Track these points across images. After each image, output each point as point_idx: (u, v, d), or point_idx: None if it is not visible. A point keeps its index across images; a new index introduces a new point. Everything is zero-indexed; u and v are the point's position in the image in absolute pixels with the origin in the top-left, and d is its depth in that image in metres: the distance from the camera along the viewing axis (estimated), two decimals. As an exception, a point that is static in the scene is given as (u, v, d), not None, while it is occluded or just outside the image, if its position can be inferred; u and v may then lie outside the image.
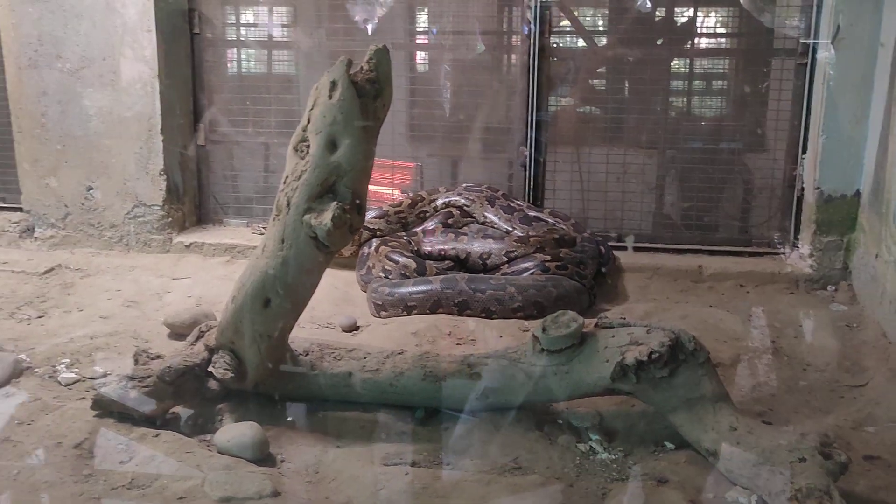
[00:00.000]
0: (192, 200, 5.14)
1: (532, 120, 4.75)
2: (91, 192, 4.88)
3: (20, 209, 5.05)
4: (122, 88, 4.73)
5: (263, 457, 2.58)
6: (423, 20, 5.50)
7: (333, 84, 2.63)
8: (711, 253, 4.69)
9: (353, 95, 2.61)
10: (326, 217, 2.57)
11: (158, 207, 4.85)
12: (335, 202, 2.59)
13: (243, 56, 5.42)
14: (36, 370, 3.21)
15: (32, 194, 4.96)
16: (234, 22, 5.27)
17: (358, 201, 2.65)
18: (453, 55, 5.19)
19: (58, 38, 4.71)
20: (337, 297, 4.16)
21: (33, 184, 4.94)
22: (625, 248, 4.72)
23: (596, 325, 2.76)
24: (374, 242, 4.30)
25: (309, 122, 2.67)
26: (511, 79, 5.02)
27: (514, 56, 5.03)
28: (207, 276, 4.49)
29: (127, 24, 4.64)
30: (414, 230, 4.50)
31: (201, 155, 5.16)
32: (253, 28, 5.30)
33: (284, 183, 2.68)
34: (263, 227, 4.97)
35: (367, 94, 2.64)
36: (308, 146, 2.64)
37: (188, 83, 5.01)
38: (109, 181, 4.85)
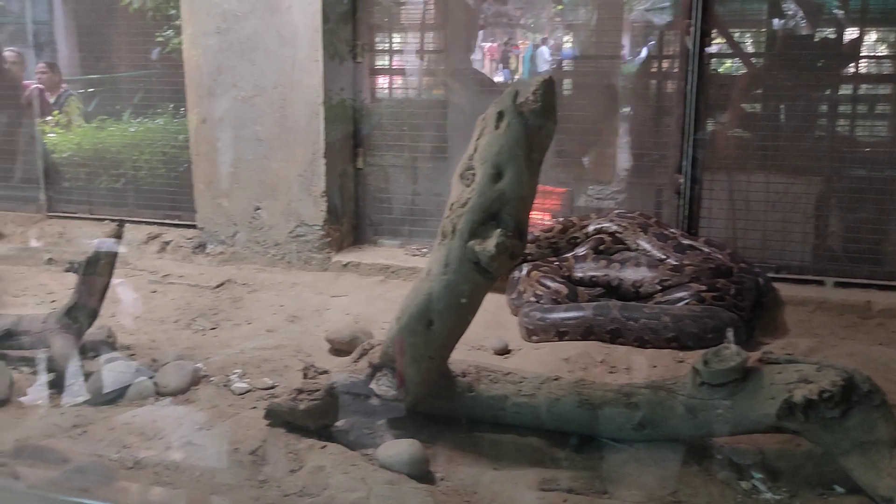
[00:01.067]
0: (350, 221, 5.36)
1: (688, 146, 4.68)
2: (258, 211, 5.19)
3: (194, 226, 5.43)
4: (289, 115, 5.01)
5: (423, 474, 2.67)
6: (567, 45, 5.57)
7: (500, 115, 2.71)
8: (881, 287, 4.44)
9: (519, 126, 2.68)
10: (490, 244, 2.65)
11: (319, 227, 5.09)
12: (499, 229, 2.67)
13: (399, 82, 5.62)
14: (211, 379, 3.45)
15: (206, 213, 5.32)
16: (388, 49, 5.47)
17: (520, 229, 2.72)
18: (602, 80, 5.22)
19: (234, 68, 5.06)
20: (487, 319, 4.22)
21: (207, 203, 5.30)
22: (784, 281, 4.55)
23: (760, 360, 2.69)
24: (525, 267, 4.35)
25: (475, 151, 2.76)
26: (663, 103, 4.98)
27: (666, 80, 4.99)
28: (363, 295, 4.67)
29: (297, 56, 4.92)
30: (565, 256, 4.52)
31: (359, 178, 5.38)
32: (408, 56, 5.50)
33: (450, 209, 2.77)
34: (417, 249, 5.15)
35: (533, 124, 2.70)
36: (474, 174, 2.73)
37: (349, 109, 5.24)
38: (275, 202, 5.14)
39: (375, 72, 5.42)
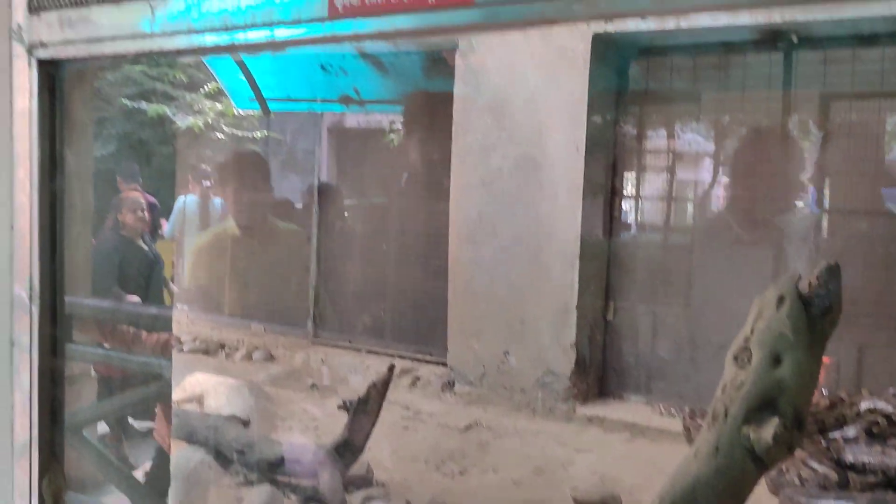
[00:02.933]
0: (596, 373, 5.35)
1: None
2: (507, 356, 5.33)
3: (444, 364, 5.68)
4: (544, 264, 5.19)
5: None
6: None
7: (781, 298, 2.64)
8: None
9: (801, 311, 2.60)
10: (766, 433, 2.54)
11: (566, 378, 5.13)
12: (776, 418, 2.56)
13: (650, 230, 5.64)
14: (462, 529, 3.53)
15: (457, 353, 5.56)
16: (637, 195, 5.54)
17: (800, 419, 2.59)
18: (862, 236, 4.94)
19: (495, 217, 5.36)
20: (743, 495, 3.99)
21: (459, 343, 5.54)
22: None
23: None
24: (787, 443, 4.07)
25: (752, 333, 2.69)
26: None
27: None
28: (609, 453, 4.60)
29: (556, 208, 5.13)
30: (832, 435, 4.19)
31: (608, 329, 5.40)
32: (658, 202, 5.54)
33: (722, 391, 2.70)
34: (665, 409, 5.02)
35: (816, 309, 2.61)
36: (749, 357, 2.66)
37: (603, 262, 5.33)
38: (524, 348, 5.27)
39: (637, 229, 5.51)
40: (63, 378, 2.54)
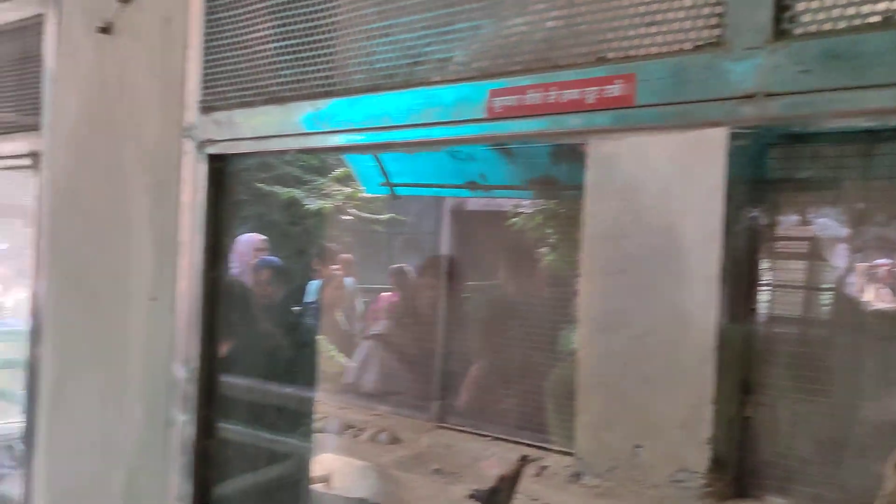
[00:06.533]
0: (732, 472, 5.09)
1: None
2: (638, 450, 5.15)
3: (571, 454, 5.54)
4: (679, 358, 5.02)
5: None
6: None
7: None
8: None
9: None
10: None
11: (700, 475, 4.89)
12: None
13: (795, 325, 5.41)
14: None
15: (585, 444, 5.41)
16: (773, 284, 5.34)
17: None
18: None
19: (629, 307, 5.26)
20: None
21: (588, 435, 5.40)
22: None
23: None
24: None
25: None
26: None
27: None
28: (749, 559, 4.33)
29: (693, 299, 4.99)
30: None
31: (746, 426, 5.14)
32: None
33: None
34: (810, 514, 4.71)
35: None
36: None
37: (741, 355, 5.12)
38: (656, 443, 5.07)
39: (766, 315, 5.29)
40: (214, 457, 2.63)
